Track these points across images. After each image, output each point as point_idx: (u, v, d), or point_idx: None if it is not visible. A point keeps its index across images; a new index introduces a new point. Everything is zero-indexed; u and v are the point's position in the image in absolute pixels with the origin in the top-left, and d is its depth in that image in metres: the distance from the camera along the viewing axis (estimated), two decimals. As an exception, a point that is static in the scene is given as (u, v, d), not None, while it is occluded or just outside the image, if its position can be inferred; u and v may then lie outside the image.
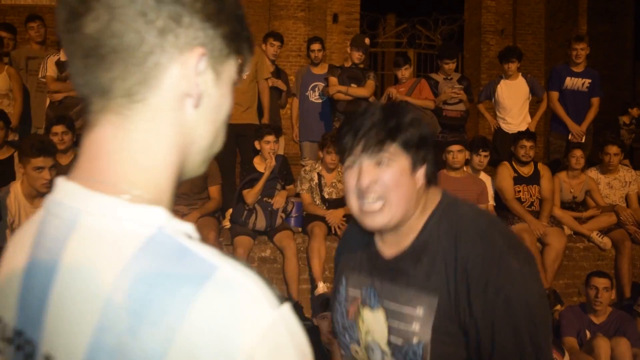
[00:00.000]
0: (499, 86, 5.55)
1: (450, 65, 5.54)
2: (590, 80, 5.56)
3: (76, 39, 0.60)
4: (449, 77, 5.53)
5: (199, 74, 0.63)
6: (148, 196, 0.61)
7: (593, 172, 5.05)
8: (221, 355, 0.52)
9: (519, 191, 4.67)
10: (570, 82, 5.53)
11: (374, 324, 1.26)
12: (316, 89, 5.79)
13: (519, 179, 4.68)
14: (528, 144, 4.65)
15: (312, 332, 3.38)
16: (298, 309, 4.12)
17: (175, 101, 0.63)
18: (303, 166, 5.17)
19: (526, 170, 4.71)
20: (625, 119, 7.39)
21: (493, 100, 5.64)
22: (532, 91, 5.56)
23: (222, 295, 0.54)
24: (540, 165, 4.79)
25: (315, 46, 5.87)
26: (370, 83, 5.44)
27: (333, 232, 4.41)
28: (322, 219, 4.40)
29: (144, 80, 0.61)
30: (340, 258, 1.43)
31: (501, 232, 1.21)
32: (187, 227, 0.60)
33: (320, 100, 5.77)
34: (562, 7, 11.74)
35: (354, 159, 1.21)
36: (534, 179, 4.70)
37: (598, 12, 11.39)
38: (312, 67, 5.86)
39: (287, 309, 0.58)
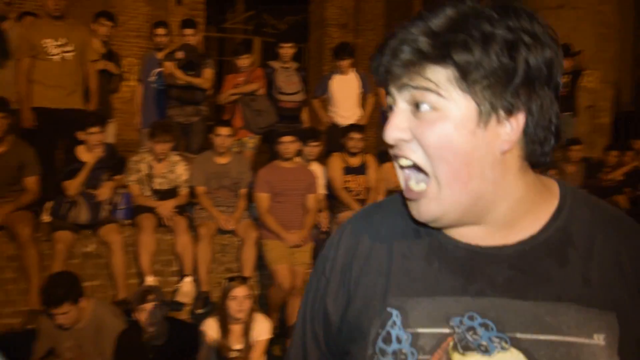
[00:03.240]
0: (331, 81, 5.77)
1: (285, 50, 5.58)
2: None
3: None
4: (286, 66, 5.61)
5: None
6: None
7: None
8: None
9: (348, 181, 4.92)
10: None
11: None
12: (160, 75, 5.58)
13: (348, 170, 4.93)
14: (357, 136, 4.90)
15: (136, 327, 3.27)
16: (125, 305, 3.96)
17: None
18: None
19: (355, 161, 4.97)
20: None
21: (327, 94, 5.86)
22: (362, 87, 5.85)
23: None
24: (367, 157, 5.07)
25: (160, 31, 5.66)
26: (208, 71, 5.36)
27: (164, 223, 4.31)
28: (152, 210, 4.27)
29: None
30: (359, 282, 0.83)
31: None
32: None
33: (163, 87, 5.55)
34: (399, 6, 12.51)
35: (391, 98, 0.77)
36: (362, 169, 4.97)
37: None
38: (156, 52, 5.62)
39: None
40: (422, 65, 0.72)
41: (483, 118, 0.72)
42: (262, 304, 4.23)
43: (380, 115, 6.21)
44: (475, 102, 0.72)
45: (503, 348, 0.73)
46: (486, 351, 0.73)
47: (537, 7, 7.27)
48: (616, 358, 0.72)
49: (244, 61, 5.55)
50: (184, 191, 4.52)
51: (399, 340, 0.75)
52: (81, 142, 4.18)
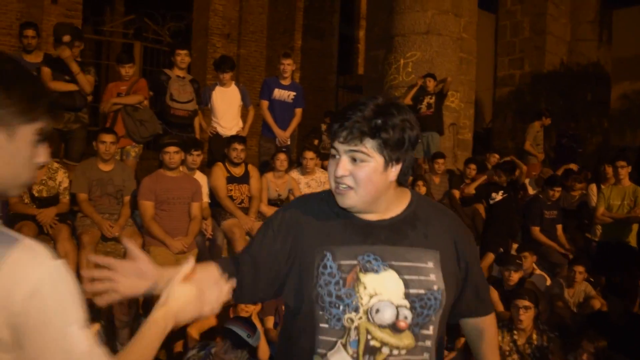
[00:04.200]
0: (214, 92, 5.95)
1: (182, 57, 5.61)
2: (295, 93, 6.34)
3: None
4: (181, 76, 5.67)
5: None
6: None
7: (295, 173, 5.81)
8: (21, 283, 0.94)
9: (231, 190, 5.12)
10: (278, 93, 6.23)
11: (383, 284, 1.40)
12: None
13: (231, 179, 5.13)
14: (239, 147, 5.12)
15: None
16: None
17: None
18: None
19: (238, 171, 5.19)
20: (325, 127, 8.57)
21: (209, 105, 6.02)
22: (243, 99, 6.09)
23: (21, 253, 0.96)
24: (250, 167, 5.31)
25: (29, 32, 5.48)
26: (89, 78, 5.32)
27: (46, 231, 4.24)
28: (32, 218, 4.19)
29: None
30: (303, 236, 1.48)
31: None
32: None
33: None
34: (282, 20, 12.89)
35: (335, 150, 1.41)
36: (245, 178, 5.20)
37: (311, 29, 12.83)
38: (24, 54, 5.45)
39: (62, 262, 0.99)
40: (361, 139, 1.37)
41: (387, 166, 1.40)
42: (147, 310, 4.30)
43: (262, 126, 6.47)
44: (384, 157, 1.39)
45: (385, 269, 1.42)
46: (376, 272, 1.42)
47: (407, 32, 8.00)
48: (439, 272, 1.45)
49: (127, 70, 5.56)
50: (65, 199, 4.47)
51: (330, 267, 1.43)
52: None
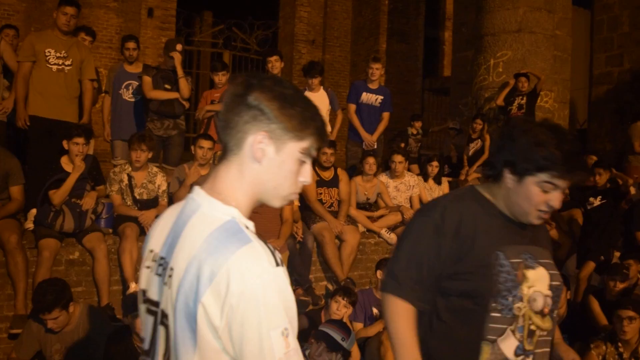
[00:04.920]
0: (304, 97, 6.04)
1: (272, 64, 5.71)
2: (382, 97, 6.32)
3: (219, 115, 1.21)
4: None
5: (260, 145, 1.16)
6: (233, 203, 1.17)
7: (383, 177, 5.78)
8: (240, 280, 1.05)
9: (321, 193, 5.18)
10: (365, 97, 6.23)
11: (537, 278, 1.68)
12: (130, 87, 5.74)
13: (320, 182, 5.19)
14: (329, 151, 5.17)
15: (126, 331, 3.44)
16: (109, 310, 4.11)
17: (249, 156, 1.17)
18: (114, 165, 5.11)
19: (327, 175, 5.24)
20: (412, 130, 8.46)
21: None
22: (331, 104, 6.13)
23: (248, 253, 1.08)
24: (339, 170, 5.35)
25: (130, 45, 5.80)
26: (183, 81, 5.54)
27: (146, 232, 4.47)
28: (134, 219, 4.43)
29: (237, 143, 1.18)
30: (473, 237, 1.67)
31: None
32: (248, 223, 1.16)
33: (134, 99, 5.74)
34: (366, 25, 12.92)
35: (552, 185, 1.60)
36: (334, 182, 5.24)
37: (395, 32, 12.76)
38: (126, 65, 5.79)
39: (282, 269, 1.10)
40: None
41: None
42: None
43: (348, 130, 6.50)
44: None
45: (537, 266, 1.69)
46: (533, 268, 1.68)
47: (498, 31, 7.76)
48: (557, 270, 1.78)
49: (220, 78, 5.76)
50: (163, 201, 4.69)
51: (505, 265, 1.65)
52: (66, 152, 4.32)
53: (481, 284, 1.63)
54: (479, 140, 7.35)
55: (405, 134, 8.96)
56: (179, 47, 5.61)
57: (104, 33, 10.59)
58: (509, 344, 1.63)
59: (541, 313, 1.66)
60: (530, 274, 1.66)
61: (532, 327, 1.65)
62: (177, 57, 5.51)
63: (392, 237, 5.39)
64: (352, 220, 5.32)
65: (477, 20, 8.25)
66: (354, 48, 13.05)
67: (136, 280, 4.24)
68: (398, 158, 5.67)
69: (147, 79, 5.44)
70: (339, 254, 4.95)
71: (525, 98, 7.13)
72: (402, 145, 8.14)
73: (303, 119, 1.17)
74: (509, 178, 1.66)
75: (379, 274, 4.42)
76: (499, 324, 1.63)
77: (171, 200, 4.73)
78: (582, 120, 13.15)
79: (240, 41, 13.03)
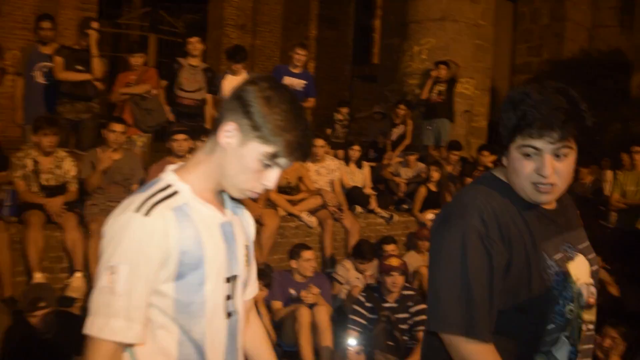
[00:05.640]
0: (224, 81, 5.95)
1: (193, 45, 5.62)
2: (305, 82, 6.31)
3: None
4: (193, 64, 5.70)
5: (226, 133, 1.25)
6: (190, 181, 1.30)
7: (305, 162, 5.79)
8: (106, 224, 1.25)
9: (240, 178, 5.11)
10: (288, 81, 6.20)
11: (579, 268, 1.44)
12: (44, 69, 5.46)
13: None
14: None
15: (24, 326, 3.29)
16: (13, 303, 3.91)
17: (218, 144, 1.28)
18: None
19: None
20: (339, 116, 8.50)
21: (219, 94, 6.02)
22: None
23: (126, 201, 1.26)
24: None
25: (45, 24, 5.52)
26: (96, 61, 5.31)
27: (53, 220, 4.28)
28: (40, 207, 4.23)
29: (218, 125, 1.28)
30: (510, 239, 1.37)
31: None
32: (188, 197, 1.29)
33: (47, 82, 5.46)
34: (297, 11, 12.83)
35: (533, 148, 1.33)
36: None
37: (326, 19, 12.75)
38: (41, 46, 5.50)
39: (148, 218, 1.21)
40: (569, 136, 1.37)
41: (578, 152, 1.39)
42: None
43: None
44: (579, 145, 1.39)
45: (577, 255, 1.45)
46: (573, 258, 1.44)
47: (422, 18, 7.89)
48: (593, 251, 1.52)
49: (137, 60, 5.59)
50: (72, 187, 4.51)
51: (552, 266, 1.39)
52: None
53: (536, 296, 1.35)
54: (402, 125, 7.48)
55: (333, 120, 9.02)
56: (94, 24, 5.39)
57: (19, 13, 10.04)
58: (563, 352, 1.40)
59: (587, 306, 1.43)
60: (572, 266, 1.42)
61: (579, 323, 1.42)
62: (92, 35, 5.29)
63: (313, 220, 5.41)
64: (271, 204, 5.30)
65: (403, 7, 8.36)
66: (284, 34, 12.95)
67: (42, 270, 4.06)
68: (319, 142, 5.68)
69: (59, 60, 5.21)
70: (259, 238, 4.92)
71: (445, 85, 7.30)
72: (329, 131, 8.19)
73: (276, 126, 1.23)
74: (504, 157, 1.42)
75: (292, 263, 4.42)
76: (553, 334, 1.39)
77: (82, 187, 4.56)
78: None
79: (168, 25, 12.69)
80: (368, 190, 6.25)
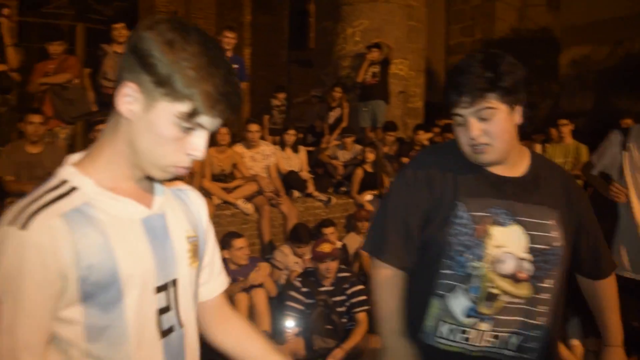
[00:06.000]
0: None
1: (118, 32, 5.44)
2: (237, 66, 6.17)
3: None
4: (118, 52, 5.49)
5: (124, 98, 0.99)
6: (94, 172, 1.04)
7: (239, 147, 5.67)
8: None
9: (171, 167, 4.97)
10: (218, 65, 6.05)
11: (508, 237, 1.47)
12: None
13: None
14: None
15: None
16: None
17: (121, 116, 1.01)
18: None
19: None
20: (276, 102, 8.39)
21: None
22: None
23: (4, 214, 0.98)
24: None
25: None
26: (10, 50, 5.04)
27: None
28: (-48, 205, 3.98)
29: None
30: (435, 187, 1.55)
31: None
32: (95, 193, 1.02)
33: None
34: (231, -4, 12.59)
35: (459, 117, 1.44)
36: (185, 155, 5.04)
37: (260, 4, 12.55)
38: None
39: (25, 232, 0.93)
40: (484, 96, 1.44)
41: (511, 111, 1.46)
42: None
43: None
44: (507, 104, 1.46)
45: (512, 224, 1.48)
46: (504, 225, 1.48)
47: (354, 0, 7.85)
48: (561, 230, 1.50)
49: (55, 48, 5.32)
50: (-10, 184, 4.26)
51: (463, 217, 1.48)
52: None
53: (435, 236, 1.51)
54: (339, 108, 7.45)
55: (270, 106, 8.91)
56: (5, 11, 5.09)
57: None
58: (458, 303, 1.48)
59: (513, 277, 1.46)
60: (498, 231, 1.47)
61: (494, 291, 1.46)
62: (4, 24, 4.99)
63: (249, 207, 5.33)
64: (206, 193, 5.17)
65: (336, -10, 8.30)
66: (218, 20, 12.67)
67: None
68: (253, 127, 5.58)
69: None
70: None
71: (378, 66, 7.32)
72: (267, 117, 8.08)
73: (187, 76, 0.95)
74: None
75: (225, 253, 4.33)
76: (449, 280, 1.49)
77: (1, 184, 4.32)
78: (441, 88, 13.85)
79: (96, 13, 12.19)
80: (305, 175, 6.20)
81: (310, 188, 6.03)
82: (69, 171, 1.03)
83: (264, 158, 5.74)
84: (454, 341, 1.49)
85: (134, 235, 1.03)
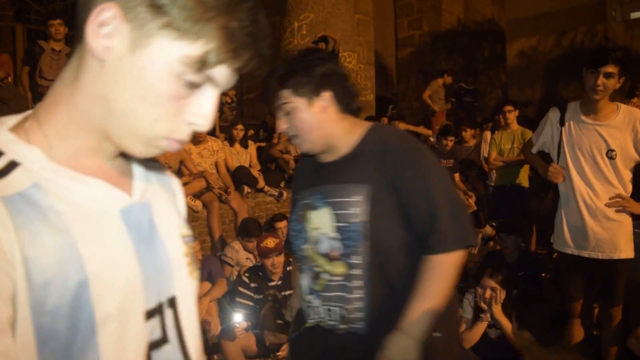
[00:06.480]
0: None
1: (55, 28, 5.33)
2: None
3: None
4: (57, 49, 5.30)
5: (102, 28, 0.62)
6: (43, 138, 0.67)
7: (186, 144, 5.52)
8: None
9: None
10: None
11: (320, 220, 1.57)
12: None
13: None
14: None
15: None
16: None
17: (89, 57, 0.65)
18: None
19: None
20: (226, 99, 8.26)
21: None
22: None
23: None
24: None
25: None
26: None
27: None
28: None
29: (80, 23, 0.64)
30: (297, 186, 1.75)
31: (411, 142, 1.56)
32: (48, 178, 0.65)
33: None
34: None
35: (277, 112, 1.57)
36: (127, 152, 4.88)
37: None
38: None
39: None
40: (278, 93, 1.56)
41: (309, 102, 1.50)
42: None
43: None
44: (301, 97, 1.50)
45: (323, 206, 1.57)
46: (317, 208, 1.58)
47: (298, -7, 7.76)
48: (367, 205, 1.49)
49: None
50: None
51: (296, 207, 1.68)
52: None
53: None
54: (289, 102, 7.37)
55: (220, 102, 8.76)
56: None
57: None
58: (304, 282, 1.65)
59: (327, 257, 1.56)
60: (313, 215, 1.59)
61: (318, 269, 1.60)
62: None
63: (197, 204, 5.19)
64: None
65: (281, -17, 8.22)
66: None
67: None
68: (198, 123, 5.44)
69: None
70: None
71: (327, 58, 7.26)
72: (217, 114, 7.95)
73: (201, 2, 0.63)
74: None
75: None
76: (299, 263, 1.70)
77: None
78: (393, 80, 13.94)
79: (35, 13, 11.75)
80: (255, 170, 6.10)
81: (261, 183, 5.93)
82: (4, 138, 0.65)
83: (211, 154, 5.61)
84: (309, 317, 1.65)
85: (109, 233, 0.68)
